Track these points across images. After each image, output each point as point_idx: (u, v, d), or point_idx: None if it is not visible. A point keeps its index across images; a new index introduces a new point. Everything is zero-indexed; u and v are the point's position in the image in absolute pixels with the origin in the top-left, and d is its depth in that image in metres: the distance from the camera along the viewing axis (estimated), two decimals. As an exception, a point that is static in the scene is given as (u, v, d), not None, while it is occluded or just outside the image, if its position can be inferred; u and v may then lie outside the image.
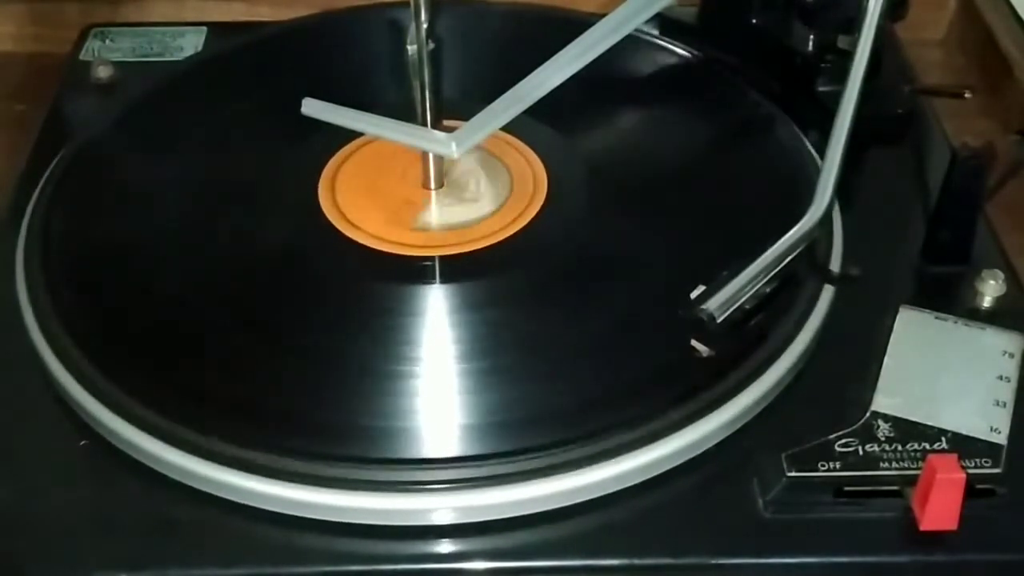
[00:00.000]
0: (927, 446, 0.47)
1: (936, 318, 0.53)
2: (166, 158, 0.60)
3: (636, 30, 0.57)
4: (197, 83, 0.66)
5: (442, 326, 0.51)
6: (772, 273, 0.51)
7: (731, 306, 0.49)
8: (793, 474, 0.46)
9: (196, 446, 0.46)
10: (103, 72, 0.68)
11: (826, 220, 0.53)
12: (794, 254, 0.51)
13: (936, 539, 0.45)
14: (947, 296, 0.54)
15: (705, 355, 0.49)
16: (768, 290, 0.50)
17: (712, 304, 0.49)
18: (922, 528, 0.45)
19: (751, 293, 0.50)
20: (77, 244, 0.56)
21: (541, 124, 0.60)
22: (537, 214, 0.56)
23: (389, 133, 0.54)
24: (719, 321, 0.48)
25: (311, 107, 0.54)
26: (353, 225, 0.56)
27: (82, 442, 0.48)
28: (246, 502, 0.46)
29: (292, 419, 0.47)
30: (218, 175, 0.59)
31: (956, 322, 0.52)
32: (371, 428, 0.47)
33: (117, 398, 0.48)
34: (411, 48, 0.55)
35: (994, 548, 0.45)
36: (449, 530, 0.45)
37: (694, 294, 0.49)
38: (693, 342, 0.49)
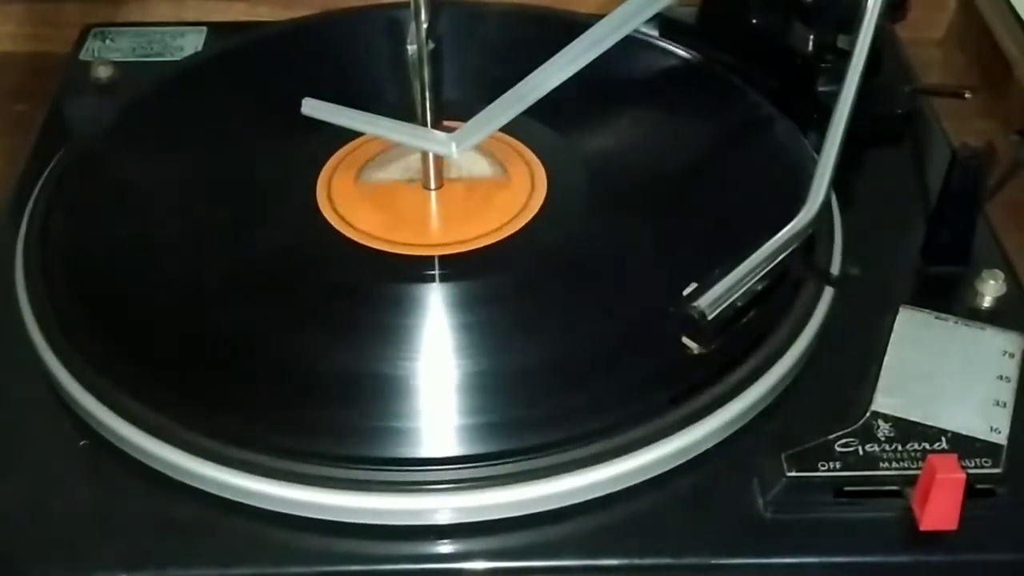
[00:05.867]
0: (927, 446, 0.47)
1: (936, 318, 0.53)
2: (166, 158, 0.60)
3: (636, 30, 0.57)
4: (197, 83, 0.66)
5: (442, 326, 0.51)
6: (765, 271, 0.50)
7: (722, 304, 0.49)
8: (793, 474, 0.46)
9: (196, 446, 0.46)
10: (103, 72, 0.68)
11: (820, 219, 0.53)
12: (787, 252, 0.51)
13: (936, 539, 0.45)
14: (947, 296, 0.54)
15: (696, 353, 0.49)
16: (760, 288, 0.50)
17: (703, 301, 0.48)
18: (922, 528, 0.45)
19: (744, 291, 0.50)
20: (77, 244, 0.56)
21: (541, 124, 0.60)
22: (537, 214, 0.56)
23: (389, 133, 0.54)
24: (710, 319, 0.48)
25: (311, 107, 0.54)
26: (352, 225, 0.56)
27: (82, 442, 0.48)
28: (246, 502, 0.46)
29: (292, 419, 0.47)
30: (217, 175, 0.59)
31: (956, 322, 0.52)
32: (371, 428, 0.47)
33: (117, 398, 0.48)
34: (411, 48, 0.55)
35: (994, 548, 0.45)
36: (449, 530, 0.45)
37: (686, 291, 0.49)
38: (684, 339, 0.49)
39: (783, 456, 0.46)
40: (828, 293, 0.53)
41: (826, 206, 0.53)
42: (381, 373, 0.49)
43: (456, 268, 0.54)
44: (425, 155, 0.57)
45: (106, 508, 0.46)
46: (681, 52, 0.67)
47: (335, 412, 0.48)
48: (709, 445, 0.48)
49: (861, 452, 0.47)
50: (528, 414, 0.47)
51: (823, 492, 0.46)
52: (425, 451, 0.46)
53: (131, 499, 0.46)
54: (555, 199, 0.57)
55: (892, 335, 0.52)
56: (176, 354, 0.50)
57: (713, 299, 0.49)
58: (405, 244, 0.55)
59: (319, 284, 0.53)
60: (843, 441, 0.47)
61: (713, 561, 0.45)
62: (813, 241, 0.53)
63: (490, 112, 0.52)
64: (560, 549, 0.45)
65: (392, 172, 0.59)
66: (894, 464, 0.46)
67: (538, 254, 0.55)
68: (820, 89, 0.64)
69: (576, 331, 0.51)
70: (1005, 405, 0.49)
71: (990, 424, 0.48)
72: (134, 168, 0.60)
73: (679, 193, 0.58)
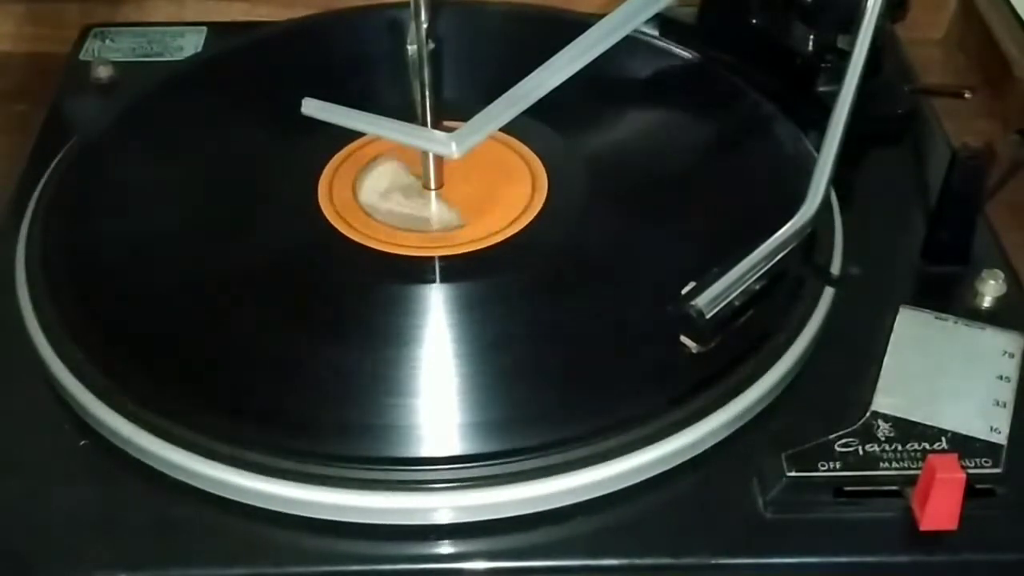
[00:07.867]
0: (927, 446, 0.47)
1: (936, 318, 0.53)
2: (166, 158, 0.61)
3: (636, 30, 0.57)
4: (197, 83, 0.66)
5: (442, 326, 0.51)
6: (764, 270, 0.50)
7: (720, 303, 0.49)
8: (793, 474, 0.46)
9: (196, 445, 0.46)
10: (103, 72, 0.68)
11: (819, 217, 0.53)
12: (786, 251, 0.51)
13: (936, 539, 0.45)
14: (947, 296, 0.54)
15: (695, 352, 0.49)
16: (759, 287, 0.50)
17: (701, 300, 0.48)
18: (922, 528, 0.45)
19: (742, 290, 0.50)
20: (77, 244, 0.56)
21: (541, 124, 0.60)
22: (537, 214, 0.56)
23: (389, 133, 0.54)
24: (707, 317, 0.48)
25: (311, 107, 0.54)
26: (352, 226, 0.56)
27: (82, 442, 0.48)
28: (246, 502, 0.46)
29: (292, 418, 0.47)
30: (218, 175, 0.59)
31: (956, 322, 0.52)
32: (371, 428, 0.47)
33: (117, 398, 0.48)
34: (411, 48, 0.55)
35: (994, 548, 0.45)
36: (449, 530, 0.45)
37: (684, 290, 0.49)
38: (682, 338, 0.49)
39: (783, 456, 0.46)
40: (828, 293, 0.53)
41: (825, 205, 0.53)
42: (381, 373, 0.49)
43: (457, 269, 0.54)
44: (425, 155, 0.57)
45: (106, 508, 0.46)
46: (681, 52, 0.67)
47: (335, 412, 0.48)
48: (709, 445, 0.48)
49: (861, 452, 0.47)
50: (528, 414, 0.47)
51: (823, 492, 0.46)
52: (425, 450, 0.47)
53: (131, 499, 0.46)
54: (556, 199, 0.57)
55: (892, 335, 0.52)
56: (176, 354, 0.50)
57: (711, 298, 0.49)
58: (406, 244, 0.55)
59: (320, 284, 0.53)
60: (843, 441, 0.47)
61: (713, 561, 0.45)
62: (813, 240, 0.53)
63: (490, 112, 0.52)
64: (560, 549, 0.45)
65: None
66: (894, 464, 0.46)
67: (539, 255, 0.55)
68: (820, 89, 0.64)
69: (576, 331, 0.51)
70: (1005, 405, 0.49)
71: (990, 424, 0.48)
72: (135, 168, 0.60)
73: (679, 193, 0.58)
